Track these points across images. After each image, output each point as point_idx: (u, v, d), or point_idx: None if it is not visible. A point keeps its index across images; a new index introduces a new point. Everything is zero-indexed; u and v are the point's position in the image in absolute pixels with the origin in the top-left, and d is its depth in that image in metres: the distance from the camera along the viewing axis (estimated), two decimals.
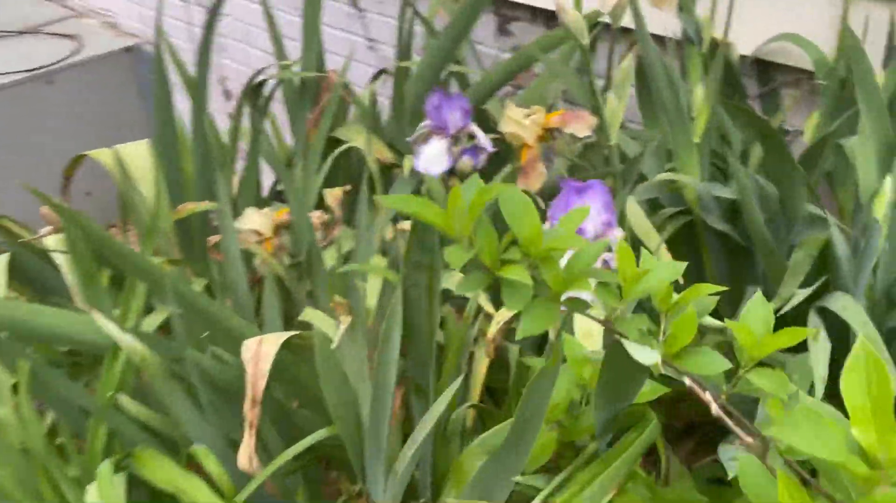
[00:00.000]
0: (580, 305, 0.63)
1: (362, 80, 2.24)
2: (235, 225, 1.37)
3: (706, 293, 0.66)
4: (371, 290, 1.15)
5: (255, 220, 1.41)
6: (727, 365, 0.64)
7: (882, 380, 0.48)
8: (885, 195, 1.00)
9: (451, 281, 1.22)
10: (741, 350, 0.67)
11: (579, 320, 0.90)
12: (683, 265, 0.66)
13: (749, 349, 0.65)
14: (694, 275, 1.43)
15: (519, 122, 1.21)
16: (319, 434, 0.96)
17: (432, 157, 1.16)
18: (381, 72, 1.92)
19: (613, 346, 0.64)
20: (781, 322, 1.23)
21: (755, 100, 1.64)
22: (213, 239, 1.38)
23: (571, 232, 0.64)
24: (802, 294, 0.98)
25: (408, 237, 0.85)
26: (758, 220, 1.13)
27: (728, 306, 1.49)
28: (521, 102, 1.86)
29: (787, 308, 0.97)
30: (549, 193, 1.37)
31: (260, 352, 0.99)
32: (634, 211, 1.16)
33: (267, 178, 1.81)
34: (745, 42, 1.56)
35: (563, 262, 0.63)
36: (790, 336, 0.64)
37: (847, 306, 0.98)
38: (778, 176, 1.15)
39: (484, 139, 1.20)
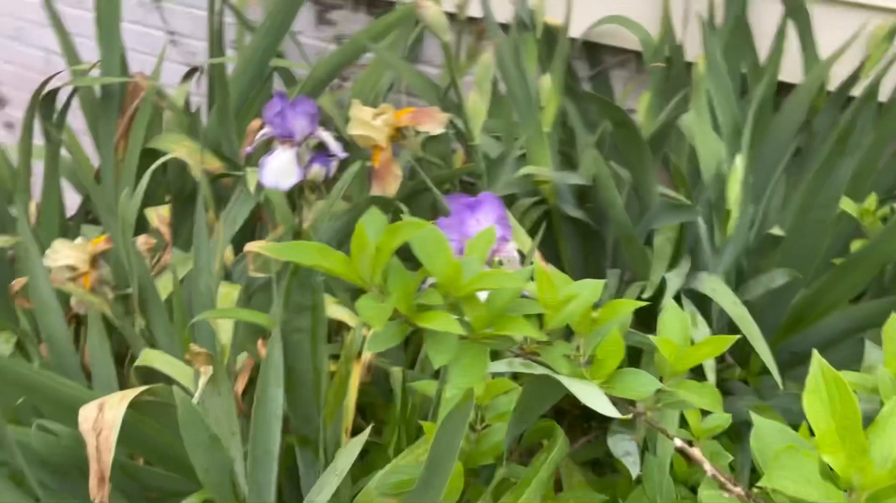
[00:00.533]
0: (505, 343, 0.56)
1: (169, 80, 2.02)
2: (44, 262, 1.17)
3: (627, 310, 0.62)
4: (223, 327, 1.02)
5: (67, 254, 1.21)
6: (658, 384, 0.60)
7: (845, 399, 0.45)
8: (738, 175, 1.02)
9: (335, 311, 1.11)
10: (663, 363, 0.64)
11: None
12: (601, 283, 0.62)
13: (673, 363, 0.63)
14: (552, 262, 1.42)
15: (368, 123, 1.12)
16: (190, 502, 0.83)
17: (280, 170, 1.04)
18: (193, 70, 1.73)
19: (540, 378, 0.58)
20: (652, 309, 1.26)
21: (586, 82, 1.66)
22: (18, 283, 1.17)
23: (483, 258, 0.58)
24: (677, 279, 0.99)
25: (286, 279, 0.74)
26: (618, 207, 1.13)
27: None
28: (353, 96, 1.77)
29: (667, 297, 0.97)
30: (404, 196, 1.30)
31: (102, 421, 0.83)
32: None
33: (69, 201, 1.57)
34: (574, 25, 1.56)
35: (481, 297, 0.56)
36: (713, 346, 0.61)
37: (716, 288, 1.00)
38: (630, 161, 1.16)
39: (335, 146, 1.10)
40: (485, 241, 0.58)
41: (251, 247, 1.08)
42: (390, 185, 1.17)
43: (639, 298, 1.16)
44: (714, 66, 1.07)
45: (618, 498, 1.00)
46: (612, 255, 1.42)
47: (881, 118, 1.33)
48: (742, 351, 1.27)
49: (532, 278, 0.61)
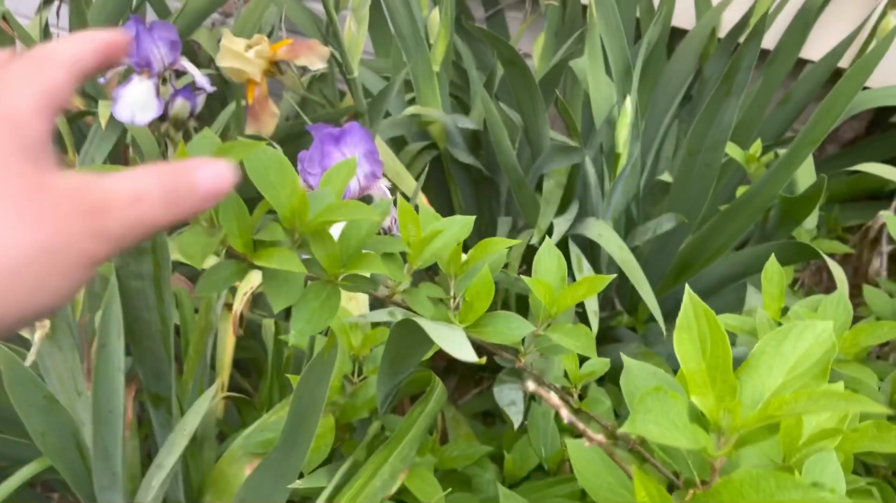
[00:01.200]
0: (364, 284, 0.51)
1: (25, 7, 1.83)
2: None
3: (499, 248, 0.57)
4: None
5: None
6: (530, 327, 0.56)
7: (717, 337, 0.42)
8: (627, 117, 0.99)
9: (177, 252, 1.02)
10: (538, 305, 0.60)
11: None
12: (472, 219, 0.57)
13: (548, 305, 0.59)
14: (444, 210, 1.38)
15: (240, 54, 1.03)
16: (23, 473, 0.74)
17: (137, 102, 0.93)
18: None
19: (402, 324, 0.53)
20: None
21: (482, 23, 1.60)
22: None
23: (340, 192, 0.51)
24: (564, 224, 0.96)
25: None
26: (507, 152, 1.08)
27: (477, 237, 1.47)
28: (235, 33, 1.65)
29: (553, 241, 0.93)
30: (282, 136, 1.22)
31: None
32: (385, 155, 1.05)
33: None
34: None
35: (334, 233, 0.50)
36: (589, 286, 0.58)
37: (602, 233, 0.97)
38: (521, 103, 1.11)
39: (200, 77, 1.00)
40: (343, 173, 0.52)
41: None
42: (266, 124, 1.09)
43: (533, 249, 1.13)
44: (604, 7, 1.03)
45: (503, 448, 0.97)
46: (505, 203, 1.39)
47: (767, 65, 1.33)
48: (631, 299, 1.27)
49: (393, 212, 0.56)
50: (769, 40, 1.33)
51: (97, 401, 0.67)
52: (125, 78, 1.02)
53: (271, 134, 1.09)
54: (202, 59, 1.64)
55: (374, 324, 0.92)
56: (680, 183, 1.04)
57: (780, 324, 0.74)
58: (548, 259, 0.60)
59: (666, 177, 1.19)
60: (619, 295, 1.29)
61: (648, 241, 1.07)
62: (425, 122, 1.13)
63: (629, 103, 0.99)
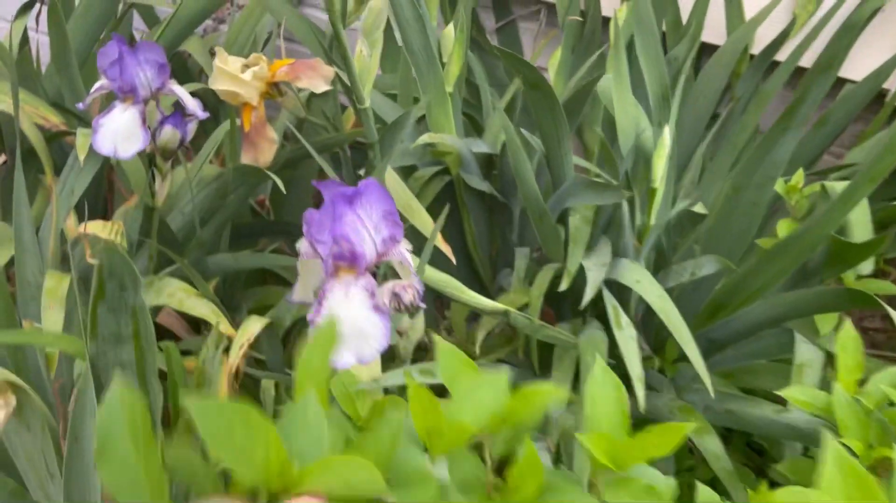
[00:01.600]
0: None
1: (6, 10, 1.72)
2: None
3: (540, 405, 0.46)
4: (50, 324, 0.82)
5: None
6: None
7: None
8: (665, 149, 0.90)
9: (168, 296, 0.92)
10: (592, 461, 0.49)
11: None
12: (505, 381, 0.46)
13: (609, 460, 0.46)
14: (456, 239, 1.28)
15: (235, 77, 0.93)
16: None
17: (120, 133, 0.83)
18: (30, 3, 1.45)
19: None
20: (571, 295, 1.13)
21: (492, 35, 1.50)
22: None
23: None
24: (599, 270, 0.86)
25: (90, 299, 0.55)
26: (530, 182, 0.99)
27: (491, 268, 1.38)
28: (228, 42, 1.54)
29: (589, 294, 0.84)
30: (280, 164, 1.11)
31: None
32: (396, 187, 0.95)
33: None
34: None
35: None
36: (662, 438, 0.46)
37: (640, 279, 0.88)
38: (543, 128, 1.01)
39: (192, 103, 0.90)
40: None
41: (87, 228, 0.87)
42: (264, 152, 0.99)
43: (555, 286, 1.03)
44: (643, 23, 0.93)
45: None
46: (518, 229, 1.29)
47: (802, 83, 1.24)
48: (657, 337, 1.17)
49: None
50: (805, 58, 1.24)
51: (69, 496, 0.58)
52: (106, 105, 0.92)
53: (269, 162, 0.99)
54: (192, 69, 1.53)
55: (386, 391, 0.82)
56: (721, 220, 0.94)
57: (858, 400, 0.64)
58: (602, 388, 0.49)
59: (699, 208, 1.10)
60: (643, 331, 1.19)
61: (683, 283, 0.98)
62: (439, 151, 1.03)
63: (668, 134, 0.89)
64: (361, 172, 1.06)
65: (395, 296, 0.54)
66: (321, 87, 0.97)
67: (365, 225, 0.54)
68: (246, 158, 0.99)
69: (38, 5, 1.47)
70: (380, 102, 1.13)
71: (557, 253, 1.12)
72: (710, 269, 0.91)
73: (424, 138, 0.97)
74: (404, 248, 0.58)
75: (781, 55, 1.21)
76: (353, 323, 0.54)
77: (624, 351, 0.80)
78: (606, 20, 1.34)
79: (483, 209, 1.25)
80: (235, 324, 1.10)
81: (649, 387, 1.12)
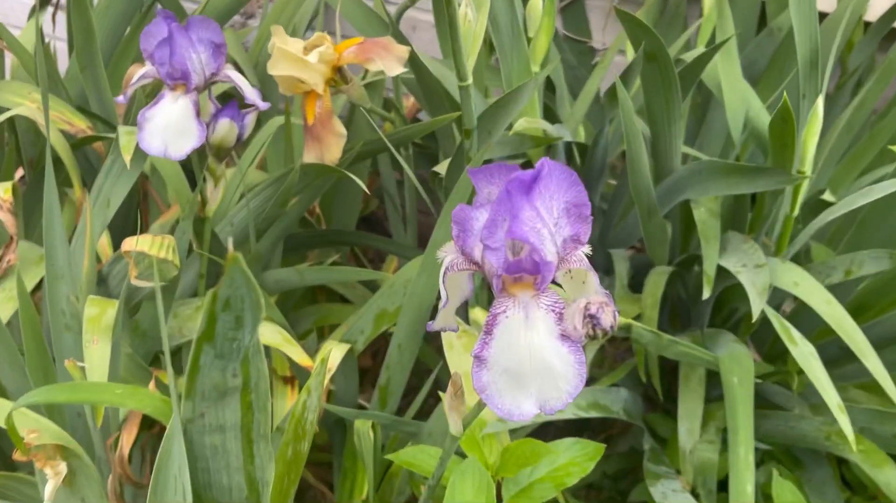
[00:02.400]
0: None
1: (14, 16, 1.59)
2: None
3: None
4: (95, 362, 0.67)
5: None
6: None
7: None
8: (817, 123, 0.75)
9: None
10: None
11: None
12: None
13: None
14: None
15: (299, 59, 0.78)
16: None
17: (170, 128, 0.69)
18: (45, 2, 1.32)
19: None
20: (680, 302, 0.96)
21: (557, 14, 1.36)
22: None
23: None
24: (762, 277, 0.71)
25: (194, 345, 0.40)
26: (644, 172, 0.84)
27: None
28: (262, 37, 1.40)
29: (756, 305, 0.68)
30: (348, 162, 0.97)
31: None
32: None
33: None
34: None
35: None
36: None
37: (800, 282, 0.73)
38: (653, 109, 0.87)
39: (251, 92, 0.75)
40: None
41: (130, 244, 0.72)
42: (330, 148, 0.84)
43: (694, 293, 0.88)
44: None
45: None
46: (601, 227, 1.14)
47: None
48: (773, 346, 1.02)
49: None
50: None
51: None
52: (153, 95, 0.78)
53: (337, 160, 0.85)
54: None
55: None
56: (878, 212, 0.79)
57: None
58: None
59: (828, 196, 0.95)
60: (756, 341, 1.04)
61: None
62: (535, 138, 0.88)
63: (821, 105, 0.74)
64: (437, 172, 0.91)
65: (591, 318, 0.39)
66: (395, 68, 0.83)
67: (545, 221, 0.39)
68: (309, 156, 0.84)
69: (50, 8, 1.33)
70: (453, 88, 0.98)
71: (662, 253, 0.97)
72: (874, 267, 0.76)
73: (522, 124, 0.83)
74: (584, 252, 0.43)
75: None
76: (536, 357, 0.39)
77: (810, 372, 0.65)
78: None
79: None
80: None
81: (776, 405, 0.97)
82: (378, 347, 1.17)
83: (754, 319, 0.66)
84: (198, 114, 0.70)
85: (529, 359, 0.39)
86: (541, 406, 0.40)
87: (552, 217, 0.40)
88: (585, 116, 1.17)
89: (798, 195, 0.77)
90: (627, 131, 0.79)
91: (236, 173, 1.03)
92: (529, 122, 0.84)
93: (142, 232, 1.13)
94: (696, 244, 0.97)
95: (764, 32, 1.12)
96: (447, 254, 0.43)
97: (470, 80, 0.67)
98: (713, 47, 0.83)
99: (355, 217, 1.21)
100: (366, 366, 1.21)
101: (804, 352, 0.69)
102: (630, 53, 1.16)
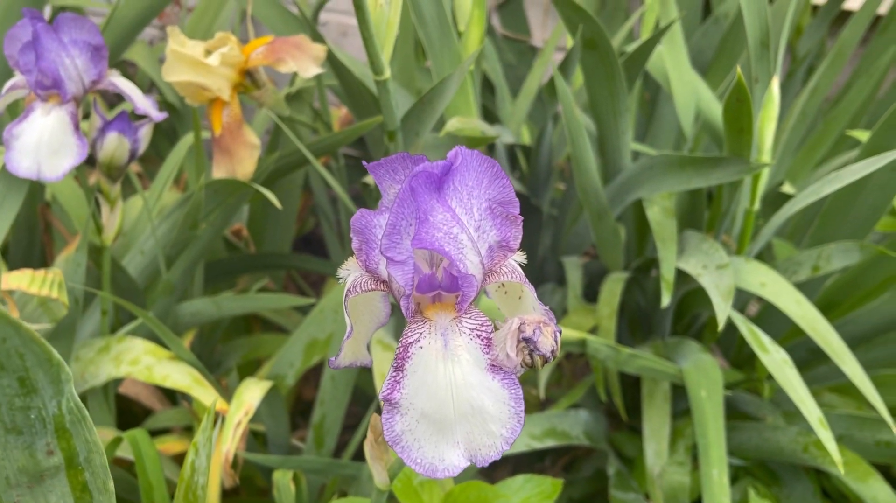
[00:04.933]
0: None
1: None
2: None
3: None
4: None
5: None
6: None
7: None
8: (773, 107, 0.68)
9: (131, 363, 0.68)
10: None
11: None
12: None
13: None
14: None
15: (198, 62, 0.69)
16: None
17: (45, 144, 0.59)
18: None
19: None
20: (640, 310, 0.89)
21: (493, 12, 1.29)
22: None
23: None
24: (725, 279, 0.63)
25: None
26: (592, 173, 0.77)
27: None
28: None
29: (721, 312, 0.61)
30: (265, 176, 0.88)
31: None
32: None
33: None
34: None
35: None
36: None
37: (766, 282, 0.66)
38: (597, 103, 0.80)
39: (142, 101, 0.66)
40: None
41: (6, 282, 0.62)
42: (242, 162, 0.75)
43: (653, 300, 0.81)
44: None
45: None
46: (553, 232, 1.07)
47: (879, 34, 1.04)
48: (740, 351, 0.95)
49: None
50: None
51: None
52: (23, 110, 0.68)
53: (251, 175, 0.76)
54: (141, 83, 1.29)
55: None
56: (840, 205, 0.73)
57: None
58: None
59: (787, 188, 0.89)
60: (722, 345, 0.97)
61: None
62: (470, 138, 0.81)
63: (776, 87, 0.68)
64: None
65: (527, 342, 0.31)
66: (311, 69, 0.74)
67: (464, 225, 0.31)
68: (219, 171, 0.75)
69: None
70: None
71: (616, 258, 0.90)
72: (844, 261, 0.70)
73: (454, 123, 0.75)
74: (517, 260, 0.35)
75: (851, 4, 1.02)
76: (460, 396, 0.31)
77: (784, 382, 0.58)
78: None
79: None
80: (222, 389, 0.86)
81: (747, 414, 0.90)
82: (319, 377, 1.07)
83: (720, 328, 0.59)
84: (77, 126, 0.60)
85: (452, 400, 0.31)
86: (471, 456, 0.31)
87: (472, 219, 0.32)
88: (528, 116, 1.10)
89: (757, 187, 0.71)
90: (570, 127, 0.72)
91: (151, 193, 0.93)
92: (463, 121, 0.76)
93: (46, 266, 1.03)
94: (653, 247, 0.90)
95: (710, 20, 1.07)
96: (349, 271, 0.35)
97: (387, 74, 0.59)
98: (657, 34, 0.77)
99: (290, 238, 1.12)
100: (309, 397, 1.11)
101: (777, 361, 0.62)
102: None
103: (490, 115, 1.08)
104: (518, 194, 0.97)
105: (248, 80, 0.77)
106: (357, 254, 0.33)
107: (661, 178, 0.74)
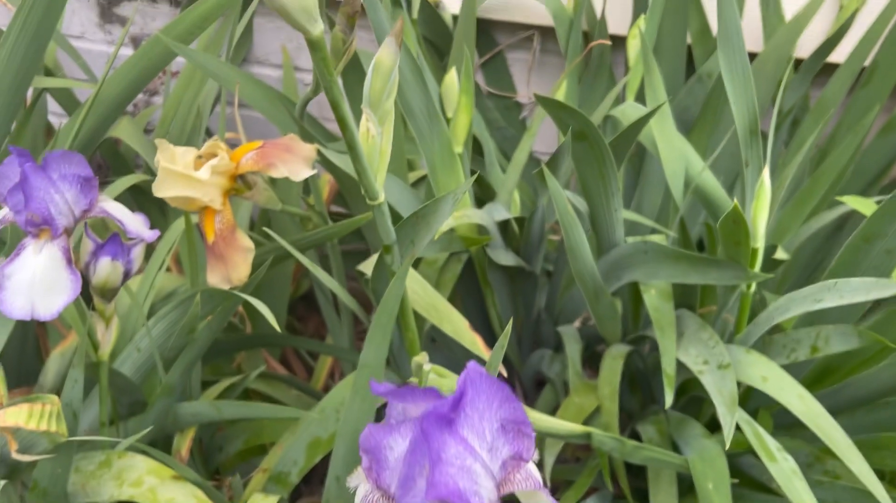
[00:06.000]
0: None
1: None
2: None
3: None
4: None
5: None
6: None
7: None
8: (765, 196, 0.69)
9: (133, 484, 0.67)
10: None
11: None
12: None
13: None
14: (477, 317, 1.05)
15: (189, 178, 0.69)
16: None
17: (38, 283, 0.58)
18: None
19: None
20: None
21: (477, 69, 1.29)
22: None
23: None
24: (721, 379, 0.64)
25: None
26: (585, 257, 0.77)
27: (518, 347, 1.15)
28: (165, 118, 1.30)
29: (727, 421, 0.61)
30: (259, 280, 0.86)
31: None
32: (419, 290, 0.72)
33: None
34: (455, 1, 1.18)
35: None
36: None
37: (769, 375, 0.66)
38: (588, 185, 0.80)
39: (134, 224, 0.65)
40: None
41: (8, 419, 0.61)
42: (237, 267, 0.75)
43: (653, 369, 0.81)
44: (728, 32, 0.72)
45: None
46: (547, 300, 1.07)
47: (861, 86, 1.05)
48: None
49: None
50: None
51: None
52: (11, 246, 0.67)
53: (246, 279, 0.76)
54: (127, 155, 1.28)
55: None
56: (845, 268, 0.74)
57: None
58: None
59: (781, 254, 0.89)
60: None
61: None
62: (464, 234, 0.81)
63: (767, 176, 0.68)
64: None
65: None
66: (302, 171, 0.74)
67: (476, 453, 0.31)
68: (213, 278, 0.75)
69: None
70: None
71: (614, 330, 0.90)
72: (842, 345, 0.70)
73: (451, 223, 0.75)
74: (532, 468, 0.35)
75: (835, 56, 1.03)
76: None
77: (793, 496, 0.58)
78: (615, 40, 1.14)
79: (505, 281, 1.03)
80: (223, 487, 0.86)
81: (752, 479, 0.90)
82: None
83: (726, 433, 0.59)
84: (69, 261, 0.60)
85: None
86: None
87: (485, 443, 0.32)
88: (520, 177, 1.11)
89: (753, 268, 0.71)
90: (563, 221, 0.72)
91: (145, 280, 0.92)
92: (459, 216, 0.76)
93: (41, 360, 1.02)
94: (647, 319, 0.90)
95: (693, 79, 1.08)
96: (358, 482, 0.34)
97: (381, 198, 0.59)
98: (645, 116, 0.77)
99: (284, 311, 1.11)
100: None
101: (785, 471, 0.62)
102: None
103: (480, 182, 1.07)
104: (513, 267, 0.97)
105: (239, 183, 0.76)
106: (366, 473, 0.33)
107: (657, 266, 0.74)
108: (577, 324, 1.03)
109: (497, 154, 1.18)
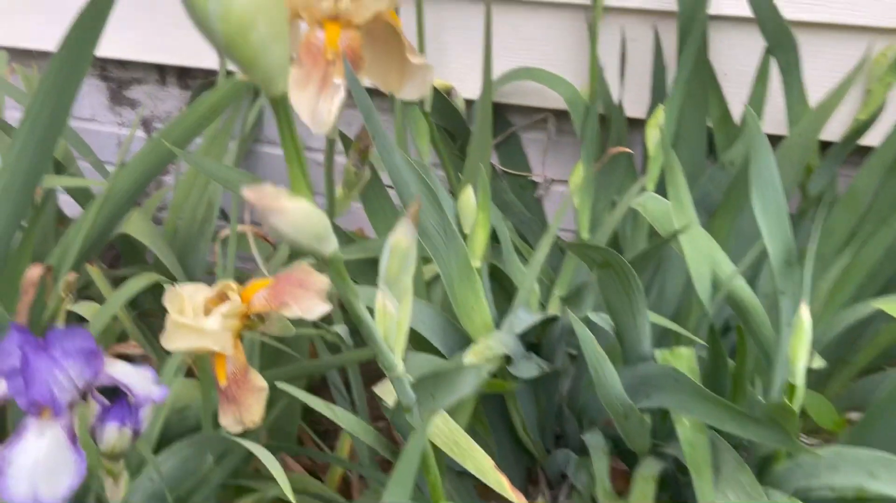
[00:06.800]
0: None
1: None
2: None
3: None
4: None
5: None
6: None
7: None
8: (804, 333, 0.65)
9: None
10: None
11: None
12: None
13: None
14: (502, 429, 1.02)
15: (198, 330, 0.66)
16: None
17: (41, 467, 0.56)
18: None
19: None
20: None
21: (492, 150, 1.26)
22: None
23: None
24: None
25: None
26: (613, 385, 0.73)
27: (541, 437, 1.11)
28: (175, 206, 1.28)
29: None
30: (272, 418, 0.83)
31: None
32: (442, 427, 0.69)
33: None
34: (468, 85, 1.16)
35: None
36: None
37: None
38: (615, 306, 0.76)
39: (143, 388, 0.62)
40: None
41: None
42: (251, 409, 0.72)
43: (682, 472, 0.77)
44: (760, 166, 0.69)
45: None
46: (568, 398, 1.03)
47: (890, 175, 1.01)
48: None
49: None
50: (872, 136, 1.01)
51: None
52: (13, 430, 0.65)
53: (259, 420, 0.73)
54: (138, 245, 1.26)
55: None
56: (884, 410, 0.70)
57: None
58: None
59: (818, 362, 0.85)
60: None
61: None
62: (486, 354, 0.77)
63: (806, 313, 0.64)
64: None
65: None
66: (316, 308, 0.70)
67: None
68: (226, 419, 0.72)
69: None
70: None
71: (643, 444, 0.87)
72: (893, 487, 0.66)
73: (471, 359, 0.71)
74: None
75: (867, 140, 0.99)
76: None
77: None
78: (633, 122, 1.11)
79: (528, 388, 0.99)
80: None
81: None
82: None
83: None
84: (74, 440, 0.57)
85: None
86: None
87: None
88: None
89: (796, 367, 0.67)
90: (591, 361, 0.69)
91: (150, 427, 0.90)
92: (476, 353, 0.72)
93: None
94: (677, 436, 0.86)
95: (715, 167, 1.04)
96: None
97: (400, 369, 0.56)
98: (668, 237, 0.74)
99: (297, 412, 1.08)
100: None
101: None
102: (574, 191, 1.07)
103: (498, 275, 1.03)
104: (534, 379, 0.94)
105: (252, 320, 0.74)
106: None
107: (689, 401, 0.70)
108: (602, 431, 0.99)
109: (513, 234, 1.15)
